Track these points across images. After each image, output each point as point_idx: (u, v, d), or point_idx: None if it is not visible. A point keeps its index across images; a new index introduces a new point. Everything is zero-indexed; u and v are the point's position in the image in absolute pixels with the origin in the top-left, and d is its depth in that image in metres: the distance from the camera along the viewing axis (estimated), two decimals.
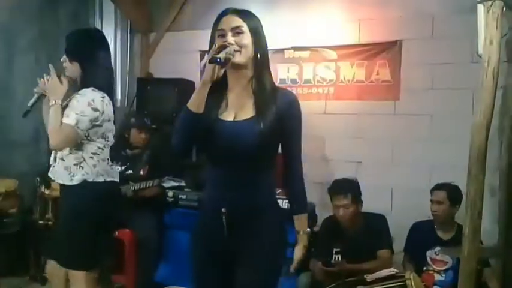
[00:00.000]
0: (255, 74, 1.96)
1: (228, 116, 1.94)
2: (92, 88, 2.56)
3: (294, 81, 4.77)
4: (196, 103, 1.86)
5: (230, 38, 1.89)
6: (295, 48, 4.75)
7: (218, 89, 1.93)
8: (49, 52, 4.45)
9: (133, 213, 3.78)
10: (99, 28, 5.35)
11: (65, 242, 2.52)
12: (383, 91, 4.43)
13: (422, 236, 3.38)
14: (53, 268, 2.73)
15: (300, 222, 2.06)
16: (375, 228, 3.39)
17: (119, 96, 5.54)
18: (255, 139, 1.86)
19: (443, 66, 4.17)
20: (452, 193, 3.29)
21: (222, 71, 1.86)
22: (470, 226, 2.29)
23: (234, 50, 1.86)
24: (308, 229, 2.08)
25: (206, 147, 1.96)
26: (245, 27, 1.91)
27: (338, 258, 3.29)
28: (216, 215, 1.93)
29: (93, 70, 2.60)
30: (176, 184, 3.85)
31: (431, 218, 3.39)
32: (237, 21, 1.91)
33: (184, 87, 4.91)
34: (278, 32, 4.50)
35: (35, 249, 4.08)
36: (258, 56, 1.94)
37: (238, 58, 1.88)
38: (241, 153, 1.88)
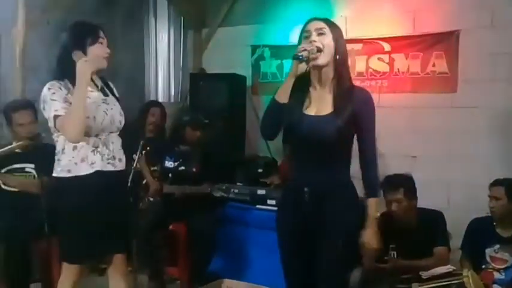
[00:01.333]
0: (335, 73, 2.24)
1: (311, 111, 2.25)
2: None
3: None
4: (281, 94, 2.19)
5: (314, 37, 2.19)
6: (348, 41, 4.67)
7: (303, 87, 2.26)
8: None
9: (187, 207, 3.85)
10: (154, 25, 5.49)
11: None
12: (439, 83, 4.31)
13: (480, 233, 3.28)
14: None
15: (370, 206, 2.27)
16: (431, 224, 3.32)
17: (172, 92, 5.66)
18: (333, 132, 2.16)
19: (504, 56, 4.01)
20: (511, 189, 3.17)
21: (304, 66, 2.18)
22: None
23: (317, 50, 2.16)
24: (378, 213, 2.31)
25: (292, 138, 2.31)
26: (327, 30, 2.22)
27: (394, 254, 3.25)
28: (299, 194, 2.25)
29: None
30: (225, 195, 3.87)
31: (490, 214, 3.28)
32: (321, 24, 2.23)
33: (236, 82, 4.96)
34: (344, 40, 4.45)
35: None
36: (338, 57, 2.22)
37: (321, 59, 2.18)
38: (321, 144, 2.18)
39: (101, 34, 2.52)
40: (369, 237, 2.26)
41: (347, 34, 4.64)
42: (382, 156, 4.48)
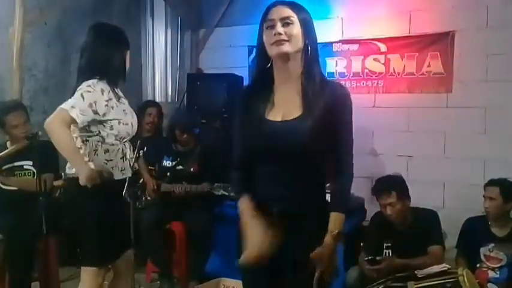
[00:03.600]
0: (304, 67, 1.86)
1: (276, 116, 1.85)
2: None
3: (342, 74, 4.74)
4: None
5: (279, 28, 1.80)
6: (344, 41, 4.71)
7: (264, 87, 1.88)
8: None
9: (185, 206, 3.86)
10: (151, 26, 5.51)
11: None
12: (435, 83, 4.34)
13: (475, 232, 3.30)
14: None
15: (333, 221, 1.82)
16: (425, 223, 3.32)
17: (169, 92, 5.68)
18: (305, 139, 1.77)
19: (498, 57, 4.04)
20: (506, 189, 3.19)
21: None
22: None
23: (283, 40, 1.80)
24: (336, 231, 1.81)
25: (253, 148, 1.88)
26: (295, 18, 1.83)
27: (389, 253, 3.26)
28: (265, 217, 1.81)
29: None
30: (226, 193, 3.86)
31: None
32: (287, 11, 1.83)
33: (234, 82, 4.97)
34: (326, 25, 4.48)
35: None
36: (308, 48, 1.85)
37: (287, 47, 1.80)
38: (291, 154, 1.79)
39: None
40: (319, 255, 1.79)
41: (343, 35, 4.69)
42: (378, 156, 4.53)
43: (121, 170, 2.55)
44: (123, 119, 2.54)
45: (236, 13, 5.33)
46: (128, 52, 2.66)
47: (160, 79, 5.63)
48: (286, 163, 1.81)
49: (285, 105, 1.85)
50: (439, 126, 4.28)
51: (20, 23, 3.91)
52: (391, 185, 3.27)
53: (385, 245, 3.29)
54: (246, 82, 5.14)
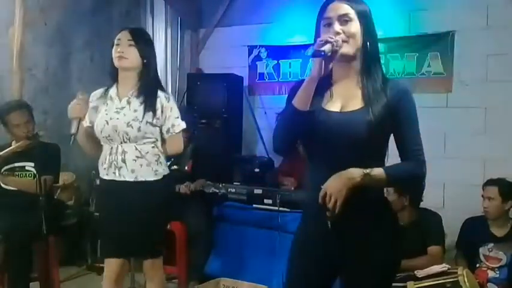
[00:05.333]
0: (364, 65, 1.77)
1: (334, 106, 1.76)
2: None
3: None
4: (302, 100, 1.70)
5: (337, 27, 1.71)
6: None
7: (323, 79, 1.74)
8: (103, 50, 4.58)
9: (184, 206, 3.86)
10: (151, 26, 5.50)
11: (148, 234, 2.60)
12: (435, 83, 4.34)
13: (474, 232, 3.30)
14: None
15: (373, 169, 1.70)
16: (427, 224, 3.33)
17: (169, 92, 5.67)
18: (364, 131, 1.68)
19: (498, 57, 4.05)
20: (505, 189, 3.20)
21: (331, 65, 1.73)
22: None
23: (342, 41, 1.69)
24: (368, 171, 1.68)
25: (309, 140, 1.79)
26: (353, 14, 1.73)
27: None
28: (321, 217, 1.70)
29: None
30: (217, 191, 3.86)
31: None
32: (345, 8, 1.73)
33: (233, 82, 4.98)
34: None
35: (91, 239, 4.24)
36: (368, 45, 1.76)
37: (347, 49, 1.71)
38: (348, 147, 1.70)
39: (121, 35, 2.59)
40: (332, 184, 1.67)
41: None
42: None
43: (103, 170, 2.63)
44: None
45: (236, 13, 5.33)
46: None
47: (160, 79, 5.61)
48: (342, 154, 1.71)
49: (344, 98, 1.78)
50: (439, 126, 4.27)
51: (20, 23, 3.91)
52: None
53: None
54: (246, 82, 5.16)
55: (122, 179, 2.53)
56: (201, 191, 3.87)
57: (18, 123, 3.34)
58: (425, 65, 4.37)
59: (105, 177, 2.58)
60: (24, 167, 3.41)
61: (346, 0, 1.75)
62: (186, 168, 4.01)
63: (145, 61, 2.61)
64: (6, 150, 3.26)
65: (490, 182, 3.28)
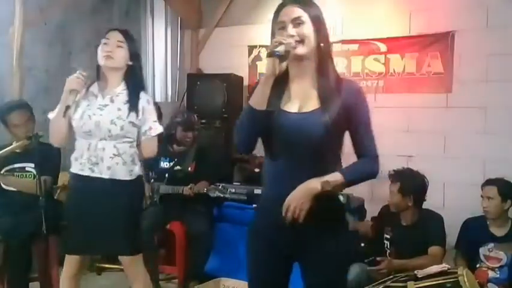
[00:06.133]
0: (318, 65, 1.86)
1: (292, 107, 1.85)
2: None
3: (342, 74, 4.73)
4: (259, 100, 1.79)
5: (291, 30, 1.81)
6: (344, 41, 4.71)
7: (279, 80, 1.83)
8: None
9: (184, 206, 3.86)
10: (151, 26, 5.51)
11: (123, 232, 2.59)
12: (435, 83, 4.35)
13: (474, 233, 3.30)
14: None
15: (331, 175, 1.79)
16: (429, 224, 3.32)
17: (169, 92, 5.68)
18: (322, 131, 1.76)
19: (498, 57, 4.05)
20: (504, 188, 3.19)
21: (285, 64, 1.80)
22: None
23: (296, 41, 1.79)
24: (325, 180, 1.76)
25: (267, 140, 1.88)
26: (305, 17, 1.82)
27: (387, 245, 3.32)
28: (277, 214, 1.77)
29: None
30: (221, 195, 3.85)
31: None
32: (297, 11, 1.82)
33: (233, 82, 4.98)
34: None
35: None
36: (321, 45, 1.84)
37: (300, 50, 1.81)
38: (306, 146, 1.78)
39: (109, 35, 2.61)
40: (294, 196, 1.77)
41: (343, 34, 4.69)
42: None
43: (76, 164, 2.64)
44: None
45: (236, 13, 5.33)
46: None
47: (160, 79, 5.63)
48: (300, 152, 1.80)
49: (302, 98, 1.86)
50: (439, 126, 4.28)
51: (20, 23, 3.91)
52: (399, 176, 3.34)
53: (385, 236, 3.34)
54: (246, 82, 5.15)
55: (98, 175, 2.53)
56: (205, 194, 3.86)
57: (18, 123, 3.34)
58: (425, 65, 4.37)
59: (80, 173, 2.57)
60: (24, 167, 3.41)
61: (299, 4, 1.84)
62: (190, 169, 4.00)
63: (131, 62, 2.65)
64: (5, 150, 3.26)
65: (488, 182, 3.28)
